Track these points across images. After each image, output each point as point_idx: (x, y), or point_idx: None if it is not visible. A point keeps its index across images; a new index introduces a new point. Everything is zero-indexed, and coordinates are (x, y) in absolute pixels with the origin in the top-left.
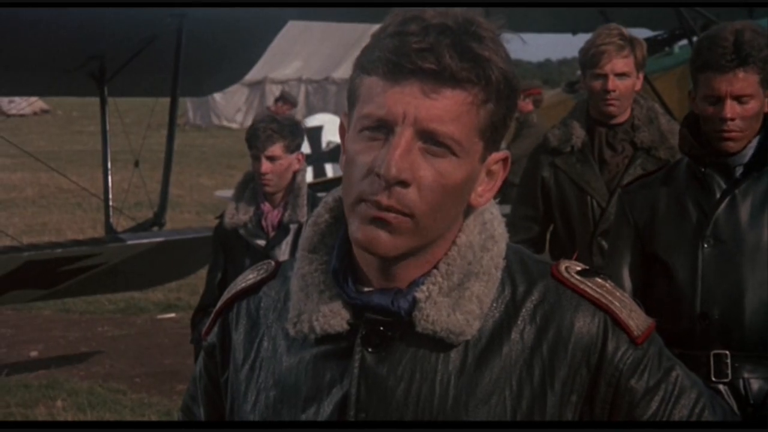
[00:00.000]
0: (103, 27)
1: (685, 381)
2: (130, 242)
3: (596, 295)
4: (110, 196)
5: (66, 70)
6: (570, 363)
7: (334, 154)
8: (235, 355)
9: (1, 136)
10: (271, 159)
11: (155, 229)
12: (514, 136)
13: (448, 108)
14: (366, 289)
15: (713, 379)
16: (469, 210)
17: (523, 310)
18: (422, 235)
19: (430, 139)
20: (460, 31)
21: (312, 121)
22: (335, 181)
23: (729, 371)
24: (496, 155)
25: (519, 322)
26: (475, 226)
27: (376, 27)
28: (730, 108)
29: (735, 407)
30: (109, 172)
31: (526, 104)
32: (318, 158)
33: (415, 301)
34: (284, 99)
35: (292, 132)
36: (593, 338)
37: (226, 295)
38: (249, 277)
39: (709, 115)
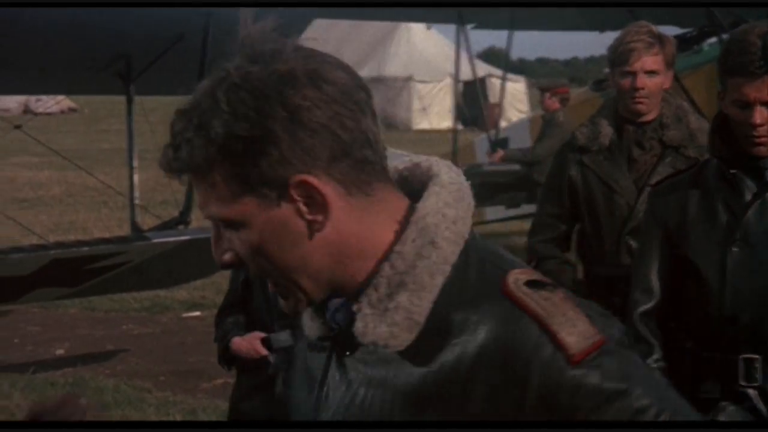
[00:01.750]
0: (129, 26)
1: (643, 401)
2: (155, 240)
3: (537, 309)
4: (136, 194)
5: (93, 69)
6: (503, 383)
7: None
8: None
9: (29, 135)
10: None
11: (180, 227)
12: (540, 135)
13: (202, 193)
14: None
15: (743, 383)
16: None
17: (465, 324)
18: (309, 282)
19: (221, 223)
20: (186, 116)
21: None
22: None
23: (759, 375)
24: (291, 185)
25: (456, 336)
26: (411, 233)
27: (403, 25)
28: (759, 114)
29: (765, 412)
30: (135, 171)
31: (552, 102)
32: None
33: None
34: None
35: None
36: (527, 357)
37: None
38: None
39: (738, 119)
